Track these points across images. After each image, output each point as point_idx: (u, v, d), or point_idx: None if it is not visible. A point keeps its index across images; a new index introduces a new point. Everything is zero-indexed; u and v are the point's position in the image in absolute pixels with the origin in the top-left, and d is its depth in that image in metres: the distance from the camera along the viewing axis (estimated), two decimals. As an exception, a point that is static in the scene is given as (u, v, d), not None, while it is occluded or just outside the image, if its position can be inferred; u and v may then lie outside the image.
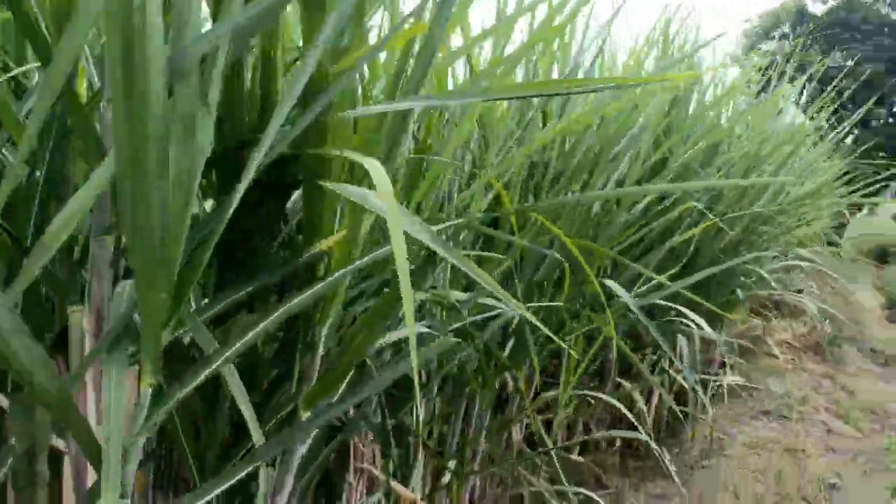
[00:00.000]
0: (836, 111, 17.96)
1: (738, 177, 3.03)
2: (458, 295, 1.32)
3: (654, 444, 2.34)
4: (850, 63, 15.87)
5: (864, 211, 26.57)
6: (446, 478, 2.09)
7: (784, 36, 17.39)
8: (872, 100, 15.05)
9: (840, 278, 13.18)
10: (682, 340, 2.74)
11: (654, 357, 3.12)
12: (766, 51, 17.60)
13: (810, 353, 5.47)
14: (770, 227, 3.54)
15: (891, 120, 16.28)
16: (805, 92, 18.31)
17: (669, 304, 2.19)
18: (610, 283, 1.78)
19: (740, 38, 17.81)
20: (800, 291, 8.73)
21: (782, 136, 3.85)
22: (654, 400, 3.17)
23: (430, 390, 1.72)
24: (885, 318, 9.73)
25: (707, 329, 2.34)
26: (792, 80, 17.76)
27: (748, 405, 3.84)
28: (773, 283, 3.34)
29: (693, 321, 2.28)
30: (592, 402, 3.01)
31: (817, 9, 16.89)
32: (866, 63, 15.71)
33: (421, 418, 1.82)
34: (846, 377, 5.12)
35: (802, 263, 4.37)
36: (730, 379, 4.07)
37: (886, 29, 15.73)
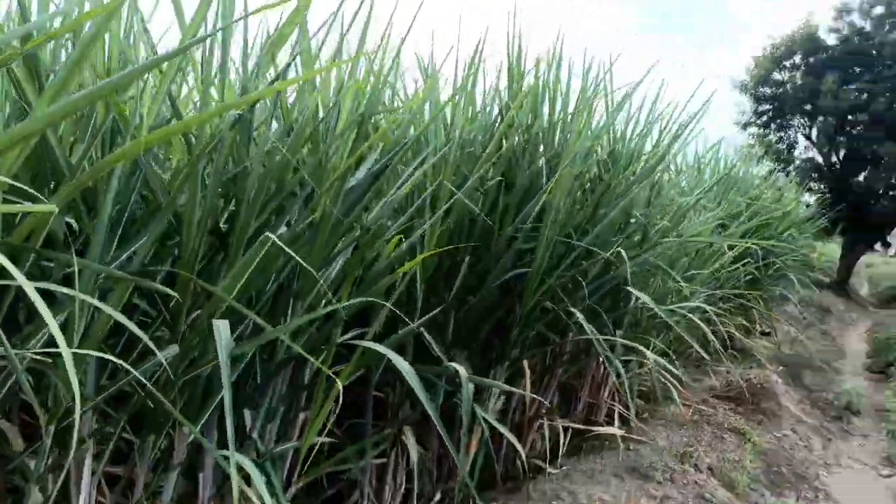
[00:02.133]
0: (851, 146, 17.38)
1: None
2: None
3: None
4: (864, 96, 15.37)
5: (892, 252, 25.61)
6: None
7: (796, 66, 16.89)
8: None
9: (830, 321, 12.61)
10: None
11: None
12: (779, 80, 17.15)
13: (745, 405, 5.09)
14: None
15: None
16: (816, 127, 17.84)
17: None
18: (218, 322, 1.52)
19: (750, 67, 17.36)
20: (766, 334, 8.33)
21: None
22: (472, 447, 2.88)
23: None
24: (866, 367, 9.19)
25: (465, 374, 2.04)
26: (805, 113, 17.36)
27: (619, 460, 3.50)
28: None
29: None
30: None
31: (831, 38, 16.39)
32: (881, 96, 15.19)
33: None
34: (768, 433, 4.73)
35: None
36: (602, 429, 3.76)
37: (901, 61, 15.18)
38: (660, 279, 4.32)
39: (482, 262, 2.80)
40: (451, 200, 2.37)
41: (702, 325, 3.56)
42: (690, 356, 6.28)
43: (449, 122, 2.70)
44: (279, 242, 1.54)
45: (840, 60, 16.07)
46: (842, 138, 16.79)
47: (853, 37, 15.74)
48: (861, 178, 16.84)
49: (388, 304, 2.08)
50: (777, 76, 17.09)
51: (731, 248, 5.61)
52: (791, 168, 17.70)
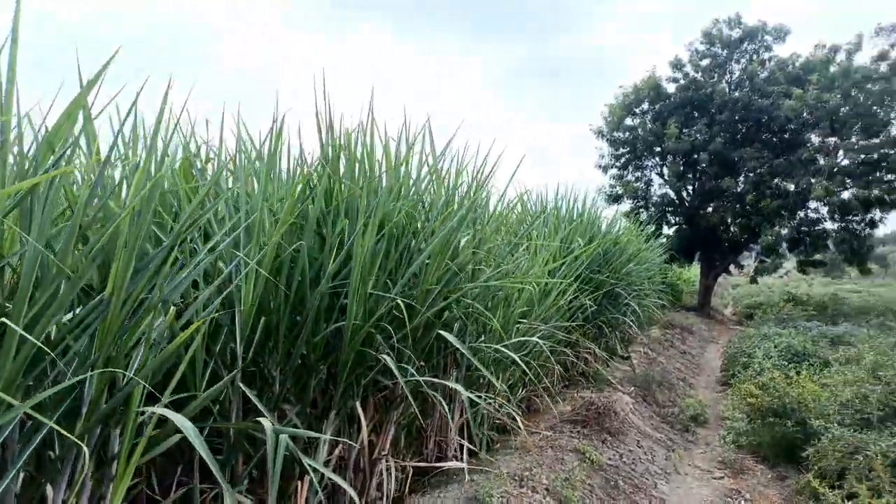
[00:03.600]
0: (698, 181, 18.89)
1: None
2: None
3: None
4: (700, 137, 17.02)
5: (749, 272, 27.74)
6: None
7: (644, 113, 18.52)
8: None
9: (693, 340, 13.53)
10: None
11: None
12: (630, 125, 18.67)
13: (591, 426, 5.43)
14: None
15: (737, 189, 17.37)
16: (665, 166, 19.34)
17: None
18: None
19: (606, 114, 18.82)
20: (626, 358, 8.90)
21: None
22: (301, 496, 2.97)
23: None
24: (718, 380, 9.99)
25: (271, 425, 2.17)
26: (656, 154, 18.79)
27: (461, 491, 3.68)
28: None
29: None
30: None
31: (671, 87, 18.14)
32: (717, 137, 16.87)
33: None
34: (611, 451, 5.08)
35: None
36: (447, 464, 3.94)
37: (730, 105, 17.01)
38: (500, 317, 4.62)
39: (302, 319, 2.95)
40: (249, 268, 2.53)
41: (518, 361, 3.84)
42: (551, 385, 6.64)
43: (259, 190, 2.87)
44: (18, 329, 1.63)
45: (680, 107, 17.80)
46: (689, 175, 18.43)
47: (689, 86, 17.50)
48: (710, 209, 18.47)
49: (146, 376, 2.17)
50: (629, 122, 18.62)
51: (579, 281, 6.07)
52: (650, 204, 19.14)
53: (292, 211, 2.67)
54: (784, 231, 16.86)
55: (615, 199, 18.92)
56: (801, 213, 17.63)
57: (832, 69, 16.09)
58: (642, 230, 11.82)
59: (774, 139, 17.81)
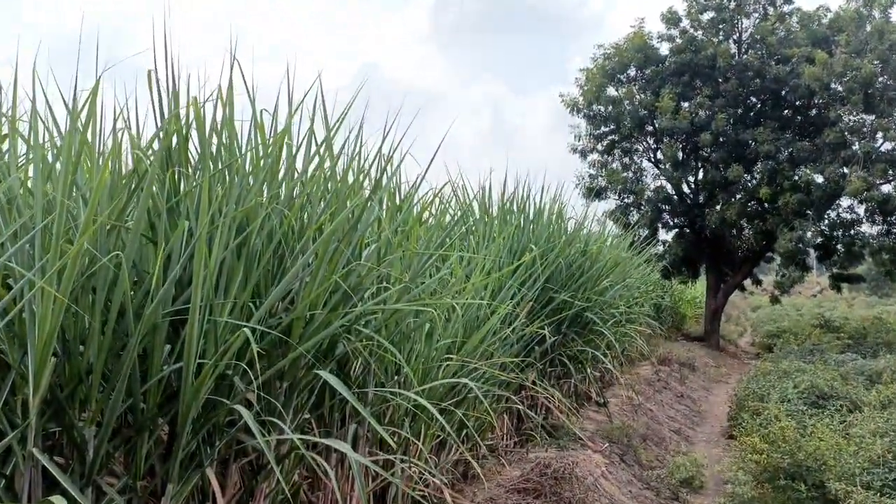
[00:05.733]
0: (702, 170, 19.26)
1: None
2: None
3: None
4: (702, 113, 17.44)
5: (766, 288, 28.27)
6: None
7: (631, 80, 18.90)
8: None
9: (696, 380, 13.85)
10: None
11: None
12: (613, 96, 18.99)
13: (545, 497, 5.46)
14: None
15: (750, 181, 17.87)
16: (660, 150, 19.78)
17: None
18: None
19: (582, 82, 19.08)
20: (603, 405, 9.03)
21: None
22: None
23: None
24: (722, 432, 10.23)
25: None
26: (648, 135, 19.14)
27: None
28: None
29: None
30: None
31: (665, 48, 18.58)
32: (720, 113, 17.31)
33: None
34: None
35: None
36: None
37: (738, 71, 17.50)
38: (419, 352, 4.61)
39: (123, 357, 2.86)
40: (40, 284, 2.43)
41: (434, 412, 3.83)
42: (499, 441, 6.67)
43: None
44: None
45: (676, 73, 18.21)
46: (691, 163, 18.87)
47: (686, 47, 17.94)
48: (718, 207, 18.83)
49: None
50: (612, 92, 18.93)
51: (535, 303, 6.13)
52: (643, 201, 19.37)
53: (96, 206, 2.59)
54: (808, 235, 17.36)
55: (597, 193, 19.17)
56: (832, 213, 18.27)
57: (868, 28, 16.80)
58: (630, 235, 12.05)
59: (799, 117, 18.45)
